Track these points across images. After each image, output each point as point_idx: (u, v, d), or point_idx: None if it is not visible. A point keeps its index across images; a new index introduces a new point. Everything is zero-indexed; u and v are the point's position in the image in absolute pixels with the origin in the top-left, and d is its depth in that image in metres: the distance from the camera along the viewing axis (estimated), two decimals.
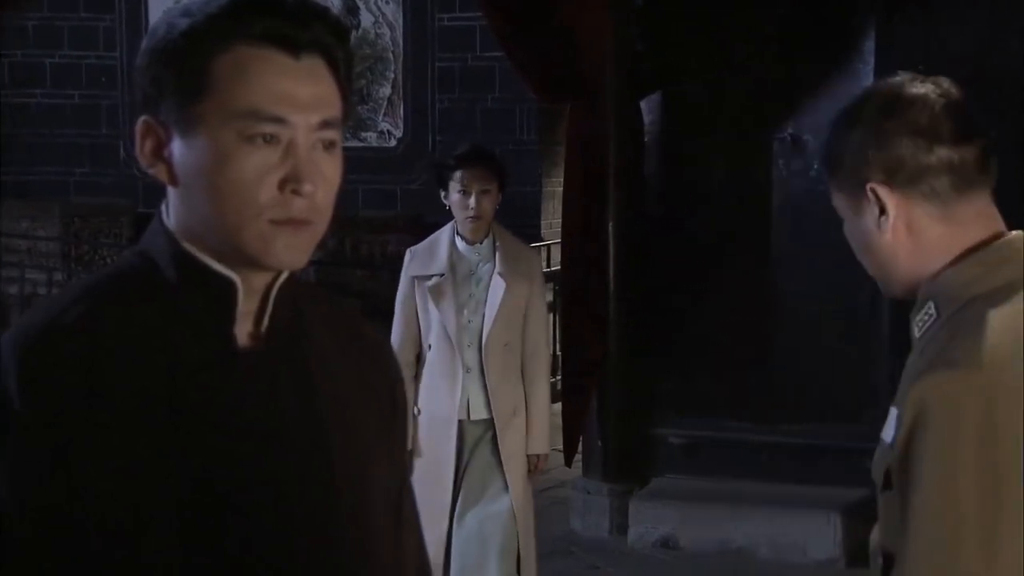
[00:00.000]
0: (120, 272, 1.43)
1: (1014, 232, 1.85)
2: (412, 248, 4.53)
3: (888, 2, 6.20)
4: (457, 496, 4.36)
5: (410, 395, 4.26)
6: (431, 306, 4.35)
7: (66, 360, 1.32)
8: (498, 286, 4.35)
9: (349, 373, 1.49)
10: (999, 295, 1.74)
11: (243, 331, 1.41)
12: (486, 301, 4.36)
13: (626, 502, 6.19)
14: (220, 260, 1.39)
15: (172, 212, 1.41)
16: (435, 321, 4.35)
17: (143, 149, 1.40)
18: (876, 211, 1.79)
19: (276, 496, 1.37)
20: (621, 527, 6.15)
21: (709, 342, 6.41)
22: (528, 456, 4.45)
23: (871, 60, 6.22)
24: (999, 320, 1.71)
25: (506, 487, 4.37)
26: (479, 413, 4.38)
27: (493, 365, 4.36)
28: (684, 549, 5.94)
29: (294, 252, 1.37)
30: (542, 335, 4.54)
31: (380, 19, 8.08)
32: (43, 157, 8.27)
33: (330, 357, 1.48)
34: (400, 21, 8.01)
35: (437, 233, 4.49)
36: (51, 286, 7.48)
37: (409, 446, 4.26)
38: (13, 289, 7.52)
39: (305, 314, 1.47)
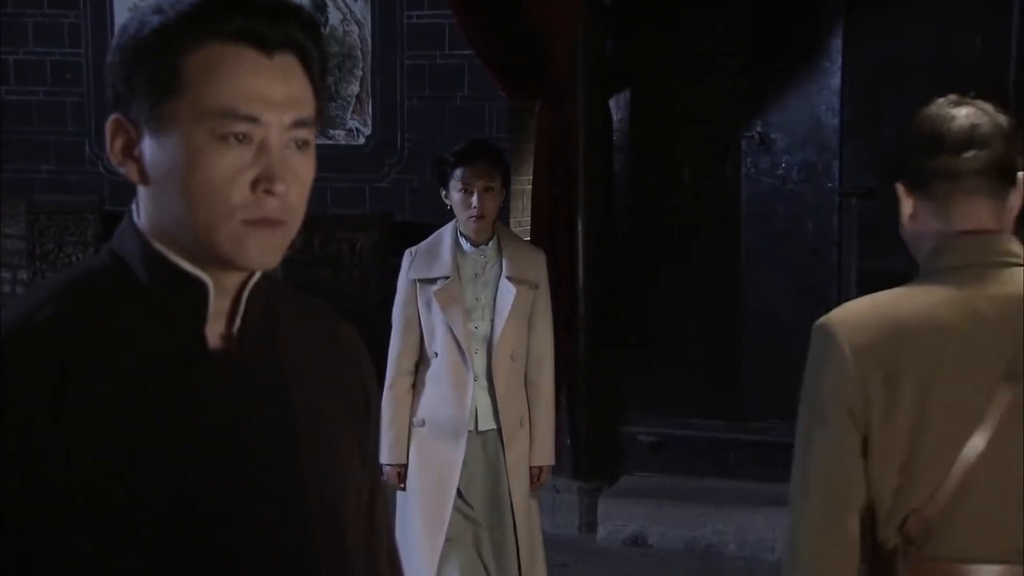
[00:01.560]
0: (90, 272, 1.41)
1: (990, 230, 2.12)
2: (411, 249, 4.25)
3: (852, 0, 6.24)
4: (460, 509, 4.14)
5: (407, 405, 4.16)
6: (437, 311, 4.11)
7: (37, 361, 1.30)
8: (507, 290, 4.14)
9: (322, 374, 1.49)
10: (930, 278, 2.14)
11: (215, 332, 1.40)
12: (494, 306, 4.14)
13: (595, 500, 6.20)
14: (191, 260, 1.38)
15: (143, 211, 1.40)
16: (442, 327, 4.11)
17: (113, 147, 1.38)
18: (902, 204, 2.17)
19: (247, 497, 1.36)
20: (590, 525, 6.16)
21: (678, 340, 6.43)
22: (531, 468, 4.25)
23: (838, 59, 6.26)
24: (898, 296, 2.13)
25: (510, 501, 4.17)
26: (487, 423, 4.17)
27: (501, 373, 4.15)
28: (653, 547, 5.96)
29: (267, 252, 1.36)
30: (548, 341, 4.30)
31: (348, 16, 8.05)
32: (8, 154, 8.19)
33: (303, 357, 1.47)
34: (368, 18, 7.98)
35: (437, 233, 4.23)
36: (16, 284, 7.43)
37: (402, 459, 4.13)
38: None
39: (278, 314, 1.47)
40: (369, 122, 8.11)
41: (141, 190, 1.40)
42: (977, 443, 2.04)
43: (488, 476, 4.18)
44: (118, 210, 1.43)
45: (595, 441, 6.30)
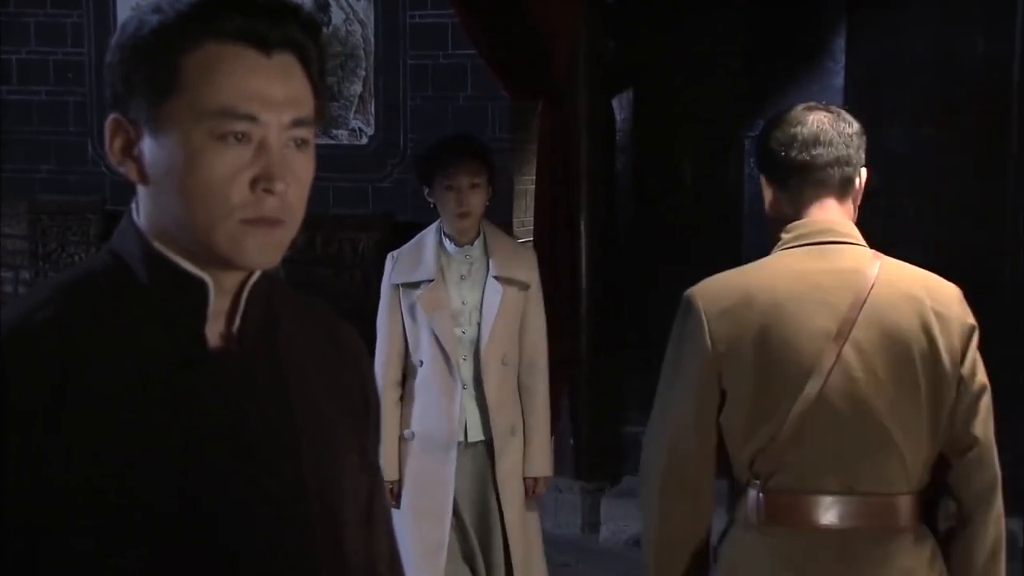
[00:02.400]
0: (90, 272, 1.41)
1: (831, 217, 2.53)
2: (393, 252, 4.00)
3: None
4: (453, 528, 3.93)
5: (395, 417, 3.92)
6: (421, 317, 3.87)
7: (37, 361, 1.30)
8: (494, 292, 3.89)
9: (322, 373, 1.49)
10: (780, 254, 2.53)
11: (215, 331, 1.40)
12: (481, 309, 3.89)
13: (598, 500, 6.19)
14: (191, 259, 1.37)
15: (142, 211, 1.40)
16: (426, 333, 3.87)
17: (112, 147, 1.38)
18: (765, 192, 2.59)
19: (246, 497, 1.36)
20: (593, 525, 6.15)
21: None
22: (525, 479, 3.99)
23: (841, 58, 6.25)
24: (751, 270, 2.54)
25: (500, 515, 3.93)
26: (476, 434, 3.92)
27: (491, 380, 3.89)
28: None
29: (266, 252, 1.36)
30: (540, 344, 4.04)
31: (351, 16, 8.05)
32: (9, 154, 8.20)
33: (302, 357, 1.47)
34: (371, 18, 7.99)
35: (420, 235, 3.98)
36: (17, 284, 7.43)
37: (394, 475, 3.90)
38: None
39: (278, 314, 1.46)
40: (372, 122, 8.12)
41: (140, 190, 1.40)
42: (810, 392, 2.40)
43: (476, 488, 3.95)
44: (120, 210, 1.43)
45: (597, 441, 6.30)
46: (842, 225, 2.55)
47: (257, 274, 1.42)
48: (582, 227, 6.04)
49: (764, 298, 2.46)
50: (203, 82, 1.33)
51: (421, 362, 3.90)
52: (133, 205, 1.42)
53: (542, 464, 4.04)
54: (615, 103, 6.49)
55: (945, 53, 6.08)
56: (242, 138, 1.34)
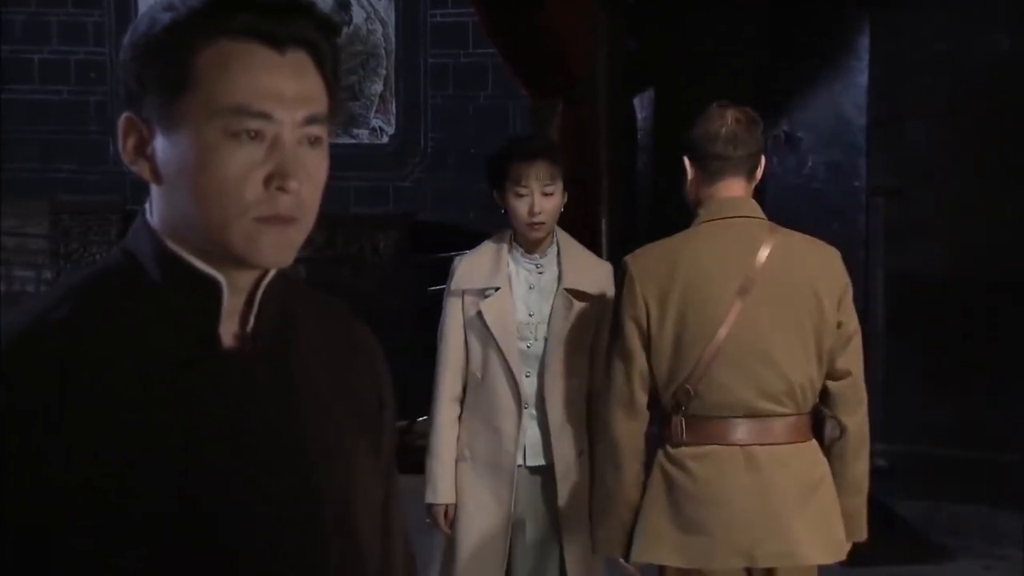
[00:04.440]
0: (104, 271, 1.40)
1: (739, 196, 3.25)
2: (461, 256, 3.75)
3: None
4: (509, 563, 3.62)
5: (454, 435, 3.66)
6: (484, 327, 3.60)
7: (38, 362, 1.29)
8: (564, 306, 3.61)
9: (336, 374, 1.47)
10: (698, 227, 3.26)
11: (228, 331, 1.38)
12: (548, 323, 3.62)
13: None
14: (205, 259, 1.36)
15: (156, 210, 1.39)
16: (489, 345, 3.61)
17: (126, 146, 1.37)
18: (687, 173, 3.29)
19: (246, 497, 1.34)
20: None
21: None
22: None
23: (865, 56, 6.22)
24: (675, 240, 3.26)
25: (559, 552, 3.62)
26: (536, 458, 3.62)
27: (556, 399, 3.60)
28: None
29: (280, 250, 1.35)
30: None
31: (372, 15, 8.05)
32: (31, 154, 8.23)
33: (318, 356, 1.46)
34: (392, 17, 7.99)
35: (491, 240, 3.72)
36: (39, 284, 7.45)
37: (451, 498, 3.63)
38: (0, 287, 7.49)
39: (294, 313, 1.45)
40: (393, 121, 8.12)
41: (154, 189, 1.39)
42: (720, 336, 3.13)
43: (535, 520, 3.64)
44: (141, 209, 1.42)
45: None
46: (747, 203, 3.27)
47: (272, 273, 1.40)
48: (603, 226, 6.02)
49: (685, 263, 3.19)
50: (216, 79, 1.32)
51: (480, 376, 3.64)
52: (147, 205, 1.41)
53: None
54: (636, 102, 6.47)
55: (968, 51, 6.05)
56: (255, 136, 1.32)
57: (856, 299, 6.18)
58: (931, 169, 6.26)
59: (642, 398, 3.22)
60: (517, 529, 3.62)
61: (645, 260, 3.24)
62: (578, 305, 3.62)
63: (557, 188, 3.60)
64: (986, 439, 6.08)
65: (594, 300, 3.64)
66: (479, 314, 3.61)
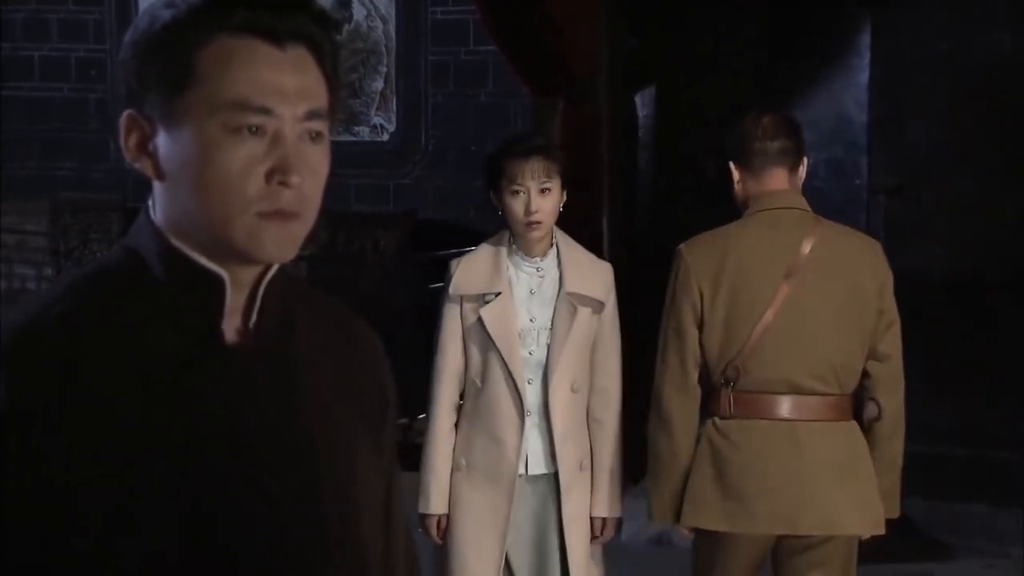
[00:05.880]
0: (106, 268, 1.41)
1: (784, 189, 3.48)
2: (457, 259, 3.61)
3: None
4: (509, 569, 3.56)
5: (449, 445, 3.57)
6: (485, 334, 3.50)
7: (38, 360, 1.30)
8: (566, 310, 3.51)
9: (337, 371, 1.48)
10: (747, 219, 3.51)
11: (231, 327, 1.39)
12: (550, 328, 3.52)
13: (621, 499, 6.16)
14: (207, 255, 1.37)
15: (158, 207, 1.39)
16: (489, 352, 3.50)
17: (128, 143, 1.38)
18: (734, 175, 3.53)
19: (247, 496, 1.35)
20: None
21: None
22: (593, 519, 3.60)
23: (866, 55, 6.22)
24: (727, 229, 3.51)
25: (561, 561, 3.55)
26: (538, 467, 3.54)
27: (559, 407, 3.51)
28: (677, 547, 5.92)
29: (283, 245, 1.35)
30: (614, 370, 3.63)
31: (373, 12, 8.04)
32: (31, 151, 8.23)
33: (317, 353, 1.46)
34: (393, 15, 7.98)
35: (488, 243, 3.60)
36: (40, 281, 7.46)
37: (444, 509, 3.57)
38: (1, 284, 7.50)
39: (294, 311, 1.46)
40: (393, 119, 8.12)
41: (156, 186, 1.39)
42: (768, 317, 3.37)
43: (536, 530, 3.57)
44: (142, 207, 1.43)
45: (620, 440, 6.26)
46: (792, 195, 3.49)
47: (274, 269, 1.41)
48: (605, 225, 6.02)
49: (735, 250, 3.44)
50: (216, 76, 1.32)
51: (480, 384, 3.53)
52: (150, 202, 1.41)
53: (612, 504, 3.63)
54: (637, 100, 6.47)
55: (969, 50, 6.05)
56: (256, 131, 1.33)
57: None
58: (932, 168, 6.26)
59: (694, 375, 3.46)
60: (518, 539, 3.54)
61: (698, 248, 3.50)
62: (581, 310, 3.53)
63: (555, 186, 3.49)
64: (987, 438, 6.08)
65: (596, 303, 3.57)
66: (479, 320, 3.51)
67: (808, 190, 6.40)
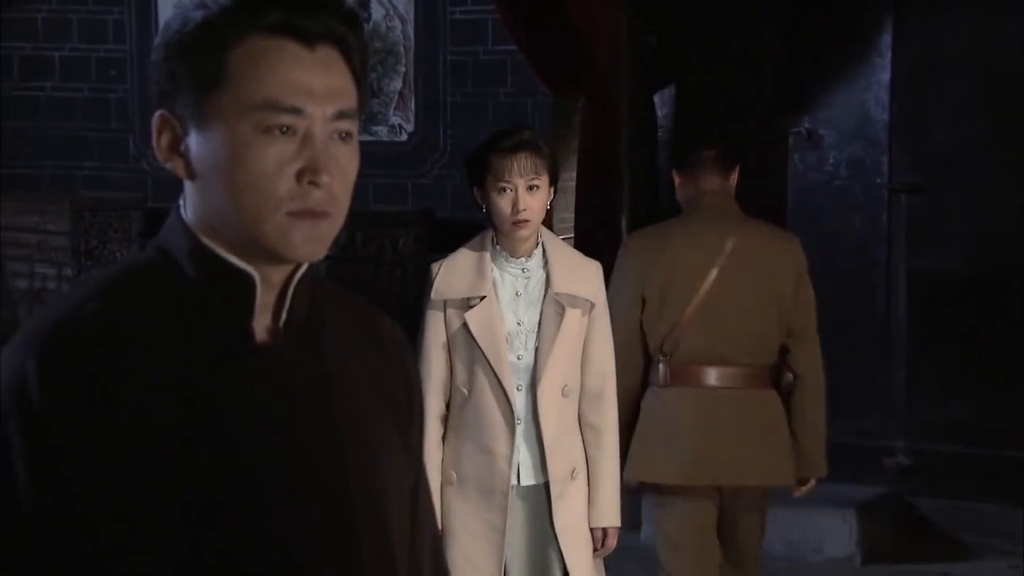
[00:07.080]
0: (136, 267, 1.42)
1: (715, 190, 4.05)
2: (438, 263, 3.42)
3: None
4: None
5: (439, 458, 3.36)
6: (469, 339, 3.32)
7: (82, 359, 1.30)
8: (554, 312, 3.34)
9: (365, 369, 1.48)
10: (685, 216, 4.15)
11: (261, 325, 1.39)
12: (538, 332, 3.35)
13: (638, 499, 6.15)
14: (238, 254, 1.37)
15: (189, 207, 1.40)
16: (476, 359, 3.32)
17: (160, 143, 1.39)
18: (675, 180, 4.18)
19: (288, 494, 1.35)
20: (634, 524, 6.11)
21: None
22: (592, 530, 3.43)
23: (887, 54, 6.21)
24: (667, 223, 4.24)
25: (560, 574, 3.37)
26: (529, 477, 3.36)
27: (549, 414, 3.33)
28: None
29: (313, 244, 1.36)
30: (607, 372, 3.46)
31: (391, 12, 8.04)
32: (52, 151, 8.25)
33: (347, 353, 1.47)
34: (411, 14, 7.98)
35: (470, 244, 3.42)
36: (60, 280, 7.47)
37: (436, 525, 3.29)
38: (22, 283, 7.52)
39: (323, 309, 1.46)
40: (412, 118, 8.11)
41: (188, 185, 1.40)
42: (699, 296, 3.93)
43: (532, 541, 3.39)
44: (161, 207, 1.43)
45: None
46: (723, 196, 4.06)
47: (304, 268, 1.41)
48: (623, 224, 6.02)
49: (671, 240, 4.03)
50: (248, 76, 1.33)
51: (467, 392, 3.35)
52: (181, 201, 1.42)
53: (611, 512, 3.47)
54: (656, 99, 6.46)
55: (991, 49, 6.03)
56: (287, 131, 1.34)
57: (877, 296, 6.18)
58: (953, 167, 6.24)
59: (638, 347, 4.01)
60: (515, 551, 3.38)
61: (642, 238, 4.20)
62: (570, 311, 3.36)
63: (543, 183, 3.31)
64: (1009, 437, 6.05)
65: (585, 304, 3.40)
66: (464, 326, 3.32)
67: (830, 188, 6.42)
